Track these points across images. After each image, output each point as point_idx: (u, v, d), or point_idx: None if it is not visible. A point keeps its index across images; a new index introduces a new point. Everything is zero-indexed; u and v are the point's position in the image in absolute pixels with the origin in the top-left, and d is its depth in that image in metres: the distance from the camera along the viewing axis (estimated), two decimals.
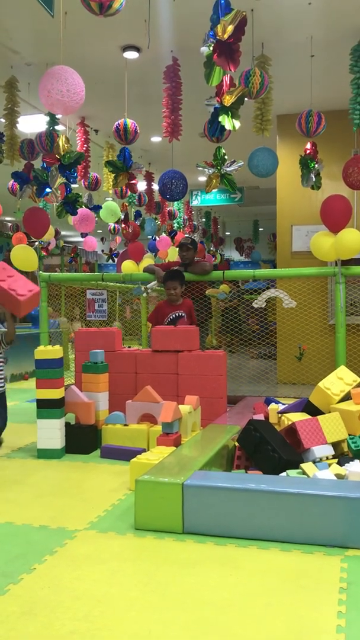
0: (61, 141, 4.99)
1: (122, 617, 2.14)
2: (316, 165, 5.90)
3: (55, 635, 2.02)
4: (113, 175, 5.98)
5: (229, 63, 4.17)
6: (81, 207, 6.48)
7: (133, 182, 5.75)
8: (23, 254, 6.11)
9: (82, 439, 4.52)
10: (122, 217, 9.19)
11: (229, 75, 4.56)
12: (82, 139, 7.92)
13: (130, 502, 3.19)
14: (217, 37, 4.13)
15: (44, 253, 10.92)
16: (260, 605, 2.23)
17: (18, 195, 6.53)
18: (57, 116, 6.29)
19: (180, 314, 5.59)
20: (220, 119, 4.51)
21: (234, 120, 4.53)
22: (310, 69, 6.21)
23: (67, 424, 4.54)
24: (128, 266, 7.94)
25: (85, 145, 7.90)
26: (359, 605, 2.22)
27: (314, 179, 5.88)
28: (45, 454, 4.37)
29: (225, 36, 4.09)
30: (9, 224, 16.79)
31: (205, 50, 4.19)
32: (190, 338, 5.10)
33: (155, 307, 5.90)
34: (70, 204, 5.82)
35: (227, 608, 2.20)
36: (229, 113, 4.53)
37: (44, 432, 4.41)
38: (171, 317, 5.59)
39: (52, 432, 4.40)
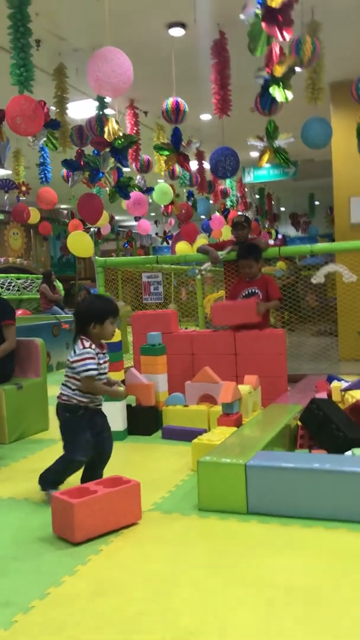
0: (110, 124, 4.97)
1: (189, 599, 2.14)
2: None
3: (125, 616, 2.04)
4: (164, 156, 5.94)
5: (281, 31, 4.00)
6: (134, 190, 6.48)
7: (186, 162, 5.67)
8: (79, 241, 6.18)
9: (144, 421, 4.56)
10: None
11: (277, 44, 4.41)
12: (132, 122, 7.89)
13: (193, 483, 3.19)
14: (267, 4, 3.94)
15: (98, 238, 11.03)
16: (329, 587, 2.18)
17: (70, 182, 6.59)
18: (106, 100, 6.29)
19: (253, 290, 5.40)
20: (270, 90, 4.38)
21: (285, 90, 4.39)
22: None
23: (128, 406, 4.59)
24: (182, 247, 7.91)
25: (135, 128, 7.88)
26: None
27: None
28: None
29: (275, 4, 3.92)
30: (65, 212, 17.05)
31: (250, 16, 4.00)
32: (250, 311, 5.00)
33: (232, 285, 5.76)
34: (122, 188, 5.83)
35: (295, 590, 2.17)
36: (280, 84, 4.39)
37: (107, 414, 4.45)
38: (244, 294, 5.46)
39: (114, 415, 4.44)
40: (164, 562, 2.44)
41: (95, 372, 3.06)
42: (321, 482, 2.78)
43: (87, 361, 3.04)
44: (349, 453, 3.16)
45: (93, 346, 3.11)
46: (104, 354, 3.19)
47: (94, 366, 3.06)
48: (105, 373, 3.19)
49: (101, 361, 3.15)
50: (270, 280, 5.48)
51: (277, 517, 2.81)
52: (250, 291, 5.44)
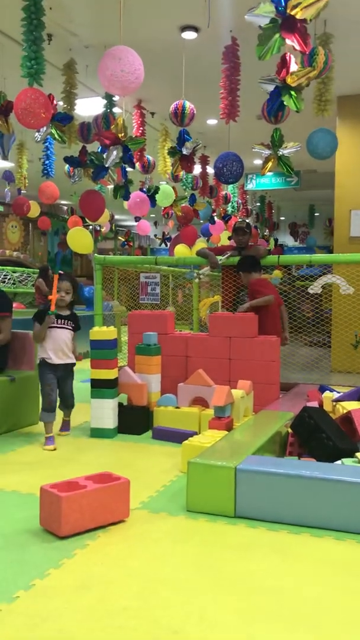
0: (120, 121, 4.98)
1: (173, 598, 2.15)
2: None
3: (109, 611, 2.04)
4: (169, 157, 5.96)
5: (299, 41, 3.99)
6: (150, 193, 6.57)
7: (190, 160, 5.69)
8: (79, 237, 6.18)
9: (134, 420, 4.56)
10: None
11: (290, 53, 4.43)
12: (139, 122, 7.91)
13: (182, 484, 3.19)
14: (287, 12, 3.93)
15: (96, 236, 11.02)
16: (313, 593, 2.19)
17: (72, 179, 6.60)
18: (114, 98, 6.30)
19: (244, 298, 5.62)
20: (284, 99, 4.39)
21: (298, 100, 4.40)
22: None
23: (120, 405, 4.59)
24: (181, 250, 7.92)
25: (142, 128, 7.89)
26: None
27: None
28: (98, 433, 4.44)
29: (300, 13, 3.90)
30: (65, 208, 17.03)
31: (261, 19, 3.95)
32: (247, 325, 5.02)
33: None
34: (125, 188, 5.84)
35: (279, 595, 2.18)
36: (293, 93, 4.40)
37: (98, 411, 4.47)
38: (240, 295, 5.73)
39: (105, 412, 4.46)
40: (150, 560, 2.45)
41: None
42: (310, 490, 2.79)
43: None
44: (338, 462, 3.17)
45: None
46: None
47: None
48: None
49: None
50: (254, 285, 5.47)
51: (265, 522, 2.82)
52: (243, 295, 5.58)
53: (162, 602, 2.11)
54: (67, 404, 4.51)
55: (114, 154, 4.98)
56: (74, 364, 4.45)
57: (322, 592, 2.20)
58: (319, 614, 2.05)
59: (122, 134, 5.06)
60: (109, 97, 6.44)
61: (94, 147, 6.38)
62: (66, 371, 4.41)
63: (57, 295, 4.24)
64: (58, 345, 4.30)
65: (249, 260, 5.48)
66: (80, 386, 4.08)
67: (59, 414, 4.43)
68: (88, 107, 7.58)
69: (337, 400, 4.01)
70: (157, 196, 8.26)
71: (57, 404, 4.38)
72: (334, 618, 2.03)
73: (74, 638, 1.89)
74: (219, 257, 5.64)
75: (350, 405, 3.73)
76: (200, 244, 8.77)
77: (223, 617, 2.02)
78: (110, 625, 1.96)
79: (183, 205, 9.32)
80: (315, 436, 3.36)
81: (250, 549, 2.57)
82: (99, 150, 5.84)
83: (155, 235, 17.53)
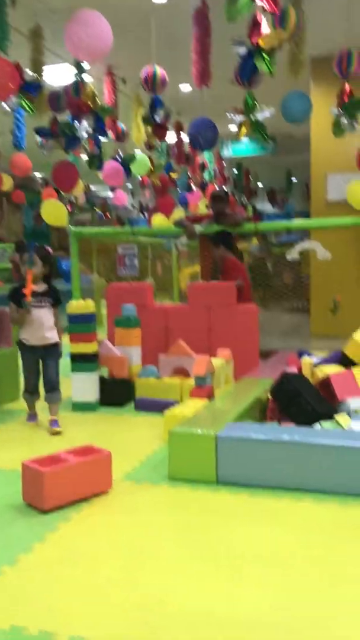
0: (90, 90, 4.86)
1: (158, 566, 2.17)
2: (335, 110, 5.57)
3: (94, 583, 2.07)
4: (144, 125, 5.85)
5: (270, 3, 3.89)
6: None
7: (163, 128, 5.60)
8: (53, 210, 6.08)
9: (116, 392, 4.57)
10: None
11: (261, 15, 4.34)
12: (110, 89, 7.73)
13: (164, 454, 3.21)
14: None
15: (70, 209, 10.85)
16: (296, 556, 2.24)
17: (44, 150, 6.45)
18: (84, 65, 6.13)
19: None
20: (256, 62, 4.30)
21: (270, 63, 4.32)
22: (346, 5, 5.87)
23: (101, 378, 4.59)
24: (159, 220, 7.84)
25: (113, 96, 7.72)
26: None
27: (356, 126, 5.57)
28: (80, 407, 4.44)
29: None
30: (39, 180, 16.72)
31: None
32: (226, 294, 5.03)
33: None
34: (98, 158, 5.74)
35: (261, 559, 2.22)
36: (266, 56, 4.32)
37: (79, 385, 4.47)
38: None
39: (86, 386, 4.45)
40: (133, 531, 2.47)
41: None
42: (290, 454, 2.83)
43: None
44: (317, 426, 3.21)
45: None
46: None
47: None
48: None
49: None
50: (226, 267, 5.57)
51: (246, 487, 2.86)
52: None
53: (147, 571, 2.14)
54: (50, 387, 4.04)
55: (85, 124, 4.87)
56: (56, 344, 4.06)
57: (304, 553, 2.25)
58: (301, 576, 2.09)
59: (93, 103, 4.95)
60: (78, 64, 6.26)
61: (65, 117, 6.23)
62: (48, 353, 4.03)
63: (31, 287, 3.89)
64: (35, 326, 3.95)
65: (220, 236, 5.53)
66: (60, 361, 4.04)
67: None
68: (58, 76, 7.38)
69: (316, 364, 4.04)
70: (132, 165, 8.13)
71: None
72: (316, 578, 2.07)
73: (59, 610, 1.91)
74: (196, 227, 5.60)
75: (329, 369, 3.77)
76: (178, 213, 8.69)
77: (206, 582, 2.06)
78: (95, 596, 1.98)
79: (160, 174, 9.20)
80: (295, 401, 3.39)
81: (232, 515, 2.60)
82: (70, 119, 5.71)
83: (132, 206, 17.33)
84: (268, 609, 1.89)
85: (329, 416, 3.27)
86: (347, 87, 5.68)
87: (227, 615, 1.86)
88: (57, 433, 3.86)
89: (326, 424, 3.20)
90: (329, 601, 1.93)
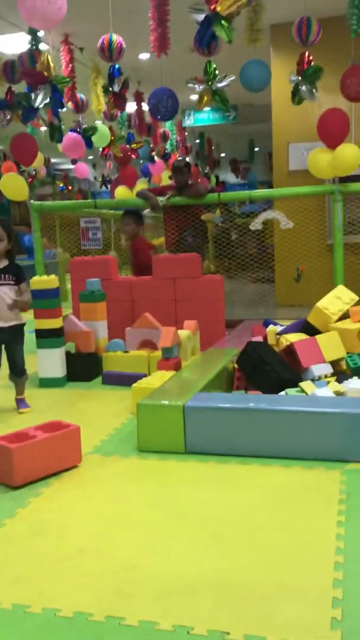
0: (45, 58, 4.72)
1: (128, 535, 2.21)
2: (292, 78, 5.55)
3: (65, 554, 2.09)
4: (104, 95, 5.73)
5: None
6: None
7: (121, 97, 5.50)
8: (12, 183, 5.94)
9: (83, 367, 4.56)
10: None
11: None
12: (67, 59, 7.52)
13: (133, 426, 3.24)
14: None
15: (30, 182, 10.62)
16: (262, 518, 2.30)
17: (1, 123, 6.28)
18: (39, 33, 5.95)
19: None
20: (215, 29, 4.24)
21: (229, 30, 4.26)
22: None
23: (68, 353, 4.57)
24: (122, 192, 7.74)
25: (71, 65, 7.52)
26: (358, 514, 2.29)
27: (315, 94, 5.54)
28: (47, 383, 4.42)
29: None
30: None
31: None
32: (191, 265, 5.06)
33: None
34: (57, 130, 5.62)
35: (229, 522, 2.27)
36: (224, 22, 4.25)
37: (45, 361, 4.45)
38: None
39: (52, 361, 4.43)
40: (103, 502, 2.50)
41: None
42: (256, 421, 2.88)
43: None
44: (283, 393, 3.28)
45: None
46: None
47: None
48: None
49: None
50: (137, 248, 5.92)
51: (215, 455, 2.91)
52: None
53: (117, 540, 2.18)
54: (17, 372, 3.88)
55: (42, 94, 4.74)
56: (21, 325, 3.85)
57: (270, 516, 2.32)
58: (268, 537, 2.16)
59: (48, 72, 4.82)
60: (33, 32, 6.06)
61: (22, 87, 6.05)
62: (12, 334, 3.80)
63: None
64: None
65: (135, 213, 5.91)
66: (26, 337, 3.98)
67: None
68: (13, 45, 7.15)
69: (281, 333, 4.10)
70: (93, 137, 7.97)
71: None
72: (283, 538, 2.14)
73: (31, 583, 1.93)
74: (159, 198, 5.56)
75: (293, 337, 3.82)
76: (141, 184, 8.59)
77: (176, 548, 2.10)
78: (66, 567, 2.01)
79: (121, 145, 9.05)
80: (260, 369, 3.45)
81: (201, 483, 2.65)
82: (27, 90, 5.54)
83: (95, 178, 17.06)
84: (237, 571, 1.95)
85: (294, 383, 3.34)
86: (307, 54, 5.64)
87: (197, 579, 1.91)
88: (24, 413, 3.81)
89: (291, 391, 3.26)
90: (293, 563, 2.00)
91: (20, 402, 3.91)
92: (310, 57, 5.48)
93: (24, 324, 3.88)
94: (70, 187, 18.30)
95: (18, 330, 3.83)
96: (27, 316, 4.06)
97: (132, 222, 5.88)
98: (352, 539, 2.11)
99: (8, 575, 1.98)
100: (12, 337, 3.81)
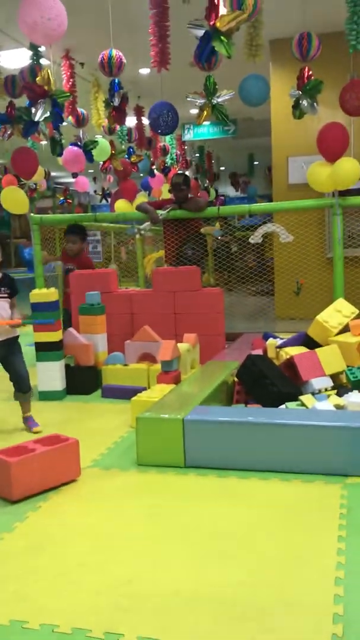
0: (45, 72, 4.76)
1: (127, 550, 2.19)
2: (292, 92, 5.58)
3: (64, 569, 2.08)
4: (104, 109, 5.77)
5: None
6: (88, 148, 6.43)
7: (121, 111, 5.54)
8: (13, 197, 5.97)
9: (83, 380, 4.55)
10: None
11: None
12: (68, 73, 7.59)
13: (132, 440, 3.23)
14: None
15: (31, 195, 10.65)
16: (262, 532, 2.28)
17: (3, 137, 6.32)
18: (40, 48, 6.01)
19: (71, 267, 5.70)
20: (214, 44, 4.27)
21: (229, 46, 4.30)
22: None
23: (67, 366, 4.56)
24: (121, 206, 7.78)
25: (72, 80, 7.59)
26: (359, 529, 2.27)
27: (316, 107, 5.57)
28: (46, 396, 4.41)
29: None
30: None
31: None
32: (191, 278, 5.06)
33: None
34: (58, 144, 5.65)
35: (229, 537, 2.26)
36: (224, 38, 4.29)
37: (44, 374, 4.43)
38: (65, 269, 5.87)
39: (52, 375, 4.42)
40: (102, 516, 2.49)
41: None
42: (256, 435, 2.87)
43: None
44: (283, 406, 3.27)
45: None
46: None
47: None
48: None
49: None
50: (82, 263, 5.74)
51: (214, 469, 2.89)
52: (69, 267, 5.72)
53: (116, 555, 2.16)
54: (22, 388, 3.76)
55: (42, 108, 4.77)
56: (16, 338, 3.76)
57: (270, 531, 2.30)
58: (269, 552, 2.14)
59: (49, 86, 4.85)
60: (34, 47, 6.12)
61: (23, 102, 6.10)
62: (8, 348, 3.72)
63: None
64: None
65: (80, 230, 5.83)
66: (25, 350, 3.97)
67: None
68: (14, 60, 7.21)
69: (281, 346, 4.10)
70: (93, 151, 8.01)
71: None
72: (283, 554, 2.12)
73: (29, 598, 1.91)
74: (159, 212, 5.58)
75: (292, 351, 3.82)
76: (141, 198, 8.63)
77: (175, 563, 2.09)
78: (65, 582, 1.99)
79: (121, 159, 9.10)
80: (260, 383, 3.44)
81: (201, 497, 2.64)
82: (28, 104, 5.58)
83: (95, 191, 17.12)
84: (237, 586, 1.93)
85: (294, 396, 3.33)
86: (306, 69, 5.69)
87: (196, 594, 1.89)
88: (39, 432, 3.62)
89: (291, 405, 3.25)
90: (293, 578, 1.98)
91: (30, 421, 3.77)
92: (310, 72, 5.52)
93: (17, 337, 3.80)
94: (70, 201, 18.37)
95: (13, 342, 3.76)
96: (26, 329, 4.06)
97: (78, 239, 5.74)
98: (353, 553, 2.09)
99: (6, 591, 1.96)
100: (8, 352, 3.73)
